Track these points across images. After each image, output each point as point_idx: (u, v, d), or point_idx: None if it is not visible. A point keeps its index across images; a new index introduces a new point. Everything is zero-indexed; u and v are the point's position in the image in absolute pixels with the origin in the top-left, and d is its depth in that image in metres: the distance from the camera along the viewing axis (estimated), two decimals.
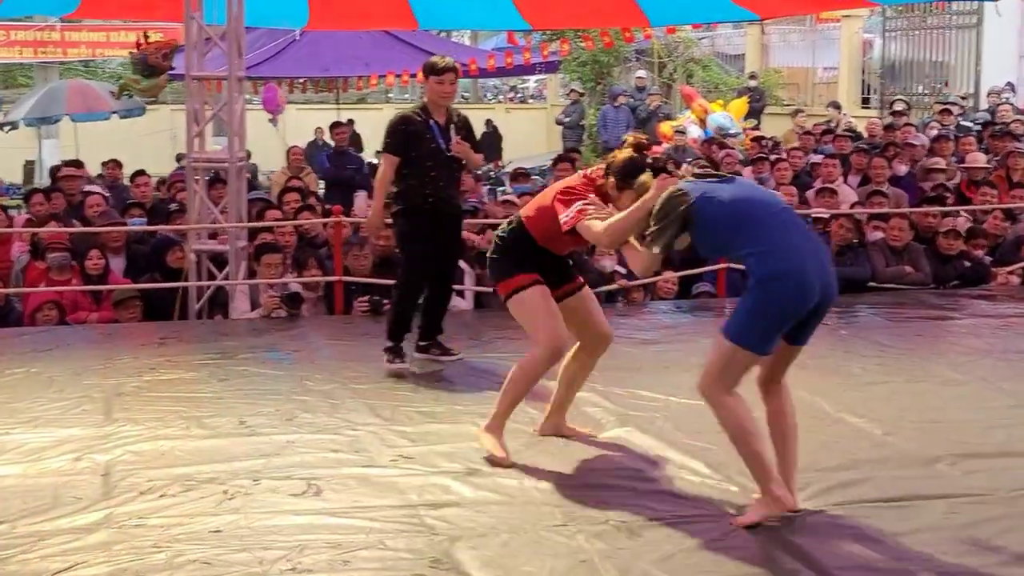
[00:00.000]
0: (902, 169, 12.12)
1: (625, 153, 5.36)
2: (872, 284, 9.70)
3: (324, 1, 12.64)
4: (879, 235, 10.09)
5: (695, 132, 17.24)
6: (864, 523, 4.69)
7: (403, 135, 7.04)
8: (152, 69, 10.06)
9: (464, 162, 7.36)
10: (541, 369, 5.54)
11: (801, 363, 7.11)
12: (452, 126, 7.14)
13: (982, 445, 5.77)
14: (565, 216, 5.26)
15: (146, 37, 10.27)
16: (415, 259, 7.20)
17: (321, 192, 13.70)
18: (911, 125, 14.53)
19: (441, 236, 7.15)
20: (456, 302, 8.97)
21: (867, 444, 5.75)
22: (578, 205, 5.25)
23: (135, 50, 10.33)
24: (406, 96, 31.21)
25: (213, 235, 9.55)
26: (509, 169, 17.95)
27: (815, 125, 15.96)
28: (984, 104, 17.50)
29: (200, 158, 9.65)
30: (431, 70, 7.09)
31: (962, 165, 12.40)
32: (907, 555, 4.39)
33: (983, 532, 4.63)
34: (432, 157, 7.04)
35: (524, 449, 5.59)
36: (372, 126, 18.73)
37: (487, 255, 5.79)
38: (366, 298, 8.85)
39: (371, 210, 7.32)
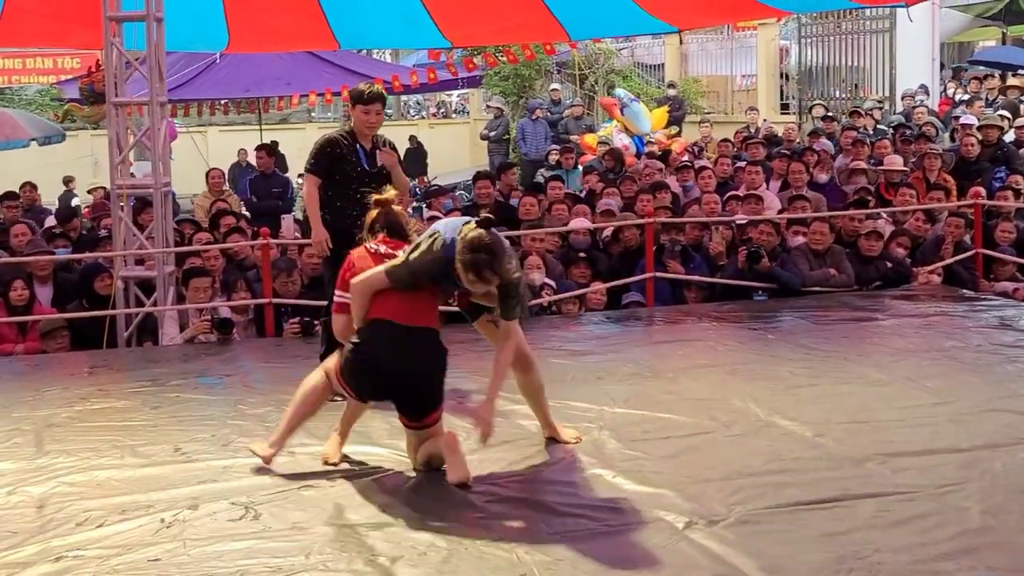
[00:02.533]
0: (823, 177, 12.34)
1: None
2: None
3: (243, 24, 12.60)
4: (800, 240, 10.24)
5: (625, 141, 17.36)
6: (797, 525, 4.77)
7: (328, 158, 7.08)
8: (99, 96, 10.03)
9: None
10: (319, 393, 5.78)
11: (731, 368, 7.34)
12: (377, 151, 7.16)
13: (909, 443, 5.87)
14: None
15: (97, 66, 10.24)
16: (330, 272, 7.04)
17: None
18: (817, 132, 14.79)
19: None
20: None
21: (798, 446, 5.84)
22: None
23: (86, 77, 10.30)
24: (329, 115, 31.13)
25: (140, 261, 9.48)
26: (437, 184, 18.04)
27: (736, 132, 16.16)
28: (899, 107, 17.81)
29: (124, 184, 9.59)
30: (358, 99, 7.09)
31: (879, 167, 12.62)
32: (841, 555, 4.46)
33: (914, 529, 4.72)
34: (358, 180, 7.06)
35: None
36: (296, 146, 18.70)
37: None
38: (296, 320, 8.84)
39: (313, 230, 7.25)
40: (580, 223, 10.64)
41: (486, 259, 5.24)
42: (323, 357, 7.02)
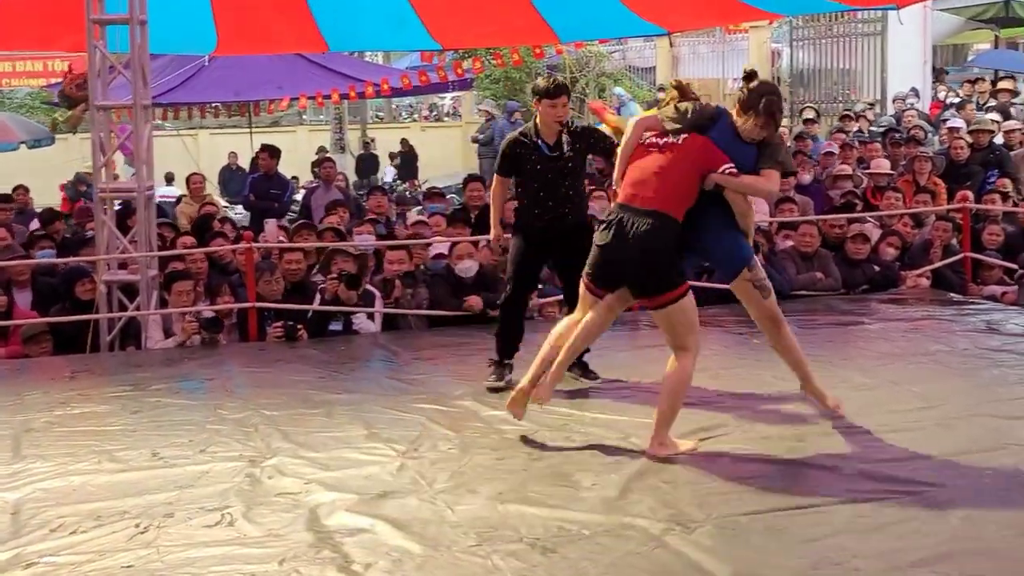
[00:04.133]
0: (806, 178, 12.32)
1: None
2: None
3: (232, 26, 12.56)
4: (789, 243, 10.21)
5: None
6: (774, 530, 4.74)
7: (509, 159, 7.25)
8: (70, 100, 9.98)
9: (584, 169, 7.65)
10: (692, 374, 5.81)
11: (714, 373, 7.31)
12: (565, 140, 7.17)
13: (891, 448, 5.85)
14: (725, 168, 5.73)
15: (70, 68, 10.20)
16: (518, 271, 7.31)
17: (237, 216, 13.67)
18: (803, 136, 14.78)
19: (553, 253, 7.34)
20: (366, 325, 8.99)
21: (779, 451, 5.81)
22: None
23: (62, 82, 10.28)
24: (321, 118, 31.09)
25: (123, 265, 9.44)
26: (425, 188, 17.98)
27: None
28: (891, 110, 17.81)
29: (108, 188, 9.54)
30: (544, 94, 7.09)
31: (867, 171, 12.61)
32: (817, 561, 4.44)
33: (892, 534, 4.69)
34: (541, 176, 7.16)
35: (435, 470, 5.61)
36: (287, 149, 18.68)
37: (645, 264, 5.71)
38: (280, 324, 8.81)
39: (491, 226, 7.49)
40: None
41: (777, 100, 5.82)
42: (498, 349, 7.35)
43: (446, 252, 9.54)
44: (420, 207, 14.05)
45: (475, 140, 21.95)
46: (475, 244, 9.62)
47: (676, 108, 5.90)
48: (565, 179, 7.21)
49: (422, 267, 9.70)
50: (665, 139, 5.83)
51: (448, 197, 14.98)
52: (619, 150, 6.04)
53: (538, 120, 7.20)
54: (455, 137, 29.16)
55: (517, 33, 14.15)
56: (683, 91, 6.09)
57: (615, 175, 6.06)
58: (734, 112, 5.84)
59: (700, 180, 5.77)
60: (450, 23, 12.93)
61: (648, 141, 5.89)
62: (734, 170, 5.74)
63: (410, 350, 8.42)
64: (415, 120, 34.44)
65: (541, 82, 7.26)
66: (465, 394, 7.03)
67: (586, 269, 6.00)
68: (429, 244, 9.92)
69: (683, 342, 5.76)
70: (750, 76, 5.92)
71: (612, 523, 4.86)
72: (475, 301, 9.09)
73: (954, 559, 4.44)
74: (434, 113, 36.40)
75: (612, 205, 6.04)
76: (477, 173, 16.45)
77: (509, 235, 7.50)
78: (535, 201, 7.21)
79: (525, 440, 6.08)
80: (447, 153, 27.79)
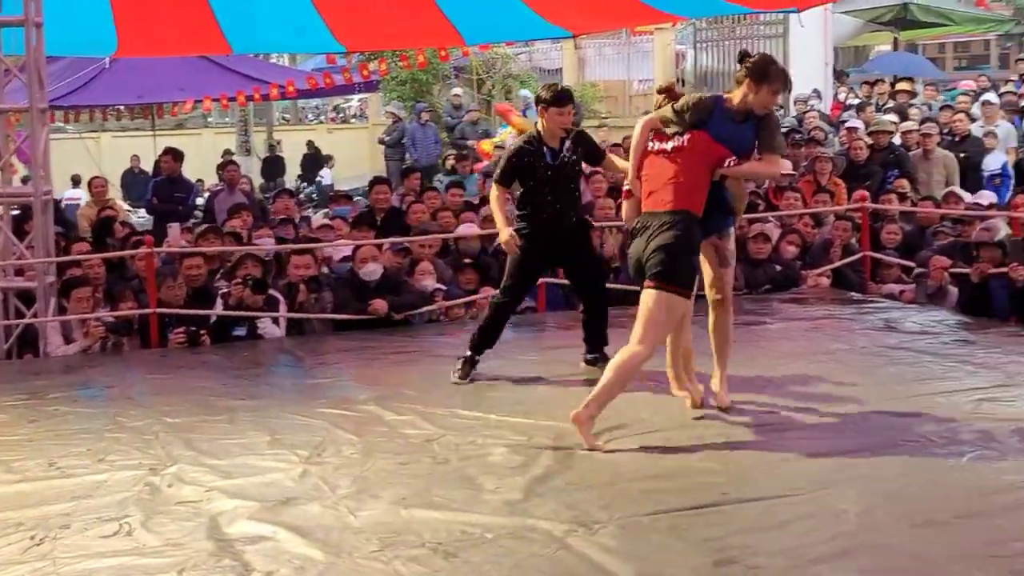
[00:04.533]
0: None
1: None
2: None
3: (132, 29, 12.38)
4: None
5: None
6: (677, 530, 4.77)
7: (514, 168, 7.46)
8: None
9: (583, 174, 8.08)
10: (638, 368, 6.08)
11: None
12: (566, 145, 7.44)
13: (791, 446, 5.91)
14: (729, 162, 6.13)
15: None
16: (516, 272, 7.57)
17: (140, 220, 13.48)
18: None
19: (561, 254, 7.63)
20: (271, 330, 8.91)
21: (681, 451, 5.84)
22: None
23: None
24: (226, 120, 30.79)
25: (20, 271, 9.26)
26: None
27: (624, 138, 16.20)
28: (793, 111, 18.00)
29: (4, 193, 9.36)
30: (554, 102, 7.32)
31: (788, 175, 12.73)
32: (719, 560, 4.47)
33: (792, 532, 4.74)
34: (549, 182, 7.40)
35: (338, 476, 5.58)
36: (192, 152, 18.48)
37: (659, 254, 6.00)
38: (182, 329, 8.71)
39: (500, 231, 7.55)
40: (468, 229, 10.59)
41: (781, 67, 6.32)
42: (472, 343, 7.57)
43: (350, 255, 9.49)
44: (326, 210, 13.96)
45: (382, 142, 21.84)
46: (379, 247, 9.58)
47: (673, 110, 6.20)
48: (569, 182, 7.53)
49: (326, 271, 9.64)
50: (672, 143, 6.19)
51: (355, 200, 14.91)
52: (631, 151, 6.45)
53: (541, 127, 7.43)
54: (362, 139, 28.98)
55: (422, 35, 14.11)
56: (671, 93, 6.44)
57: (629, 175, 6.46)
58: (743, 88, 6.15)
59: (710, 171, 6.16)
60: (354, 26, 12.87)
61: (657, 148, 6.25)
62: (736, 160, 6.13)
63: (315, 354, 8.38)
64: (321, 122, 34.23)
65: (546, 92, 7.45)
66: (369, 398, 7.00)
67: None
68: (334, 248, 9.87)
69: (645, 336, 6.00)
70: (744, 55, 6.37)
71: (515, 526, 4.85)
72: (380, 305, 9.06)
73: (853, 555, 4.50)
74: (340, 115, 36.21)
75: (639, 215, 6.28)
76: (383, 175, 16.39)
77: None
78: (543, 205, 7.43)
79: (429, 444, 6.06)
80: (355, 155, 27.63)
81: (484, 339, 7.57)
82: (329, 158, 25.69)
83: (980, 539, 4.64)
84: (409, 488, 5.38)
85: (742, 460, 5.71)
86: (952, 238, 10.31)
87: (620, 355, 6.02)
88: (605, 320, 7.66)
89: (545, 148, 7.40)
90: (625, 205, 6.56)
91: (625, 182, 6.57)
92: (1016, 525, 4.78)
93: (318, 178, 24.17)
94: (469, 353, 7.52)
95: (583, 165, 7.79)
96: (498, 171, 7.68)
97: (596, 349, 7.63)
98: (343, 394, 7.17)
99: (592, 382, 7.18)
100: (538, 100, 7.53)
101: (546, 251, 7.56)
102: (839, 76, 21.29)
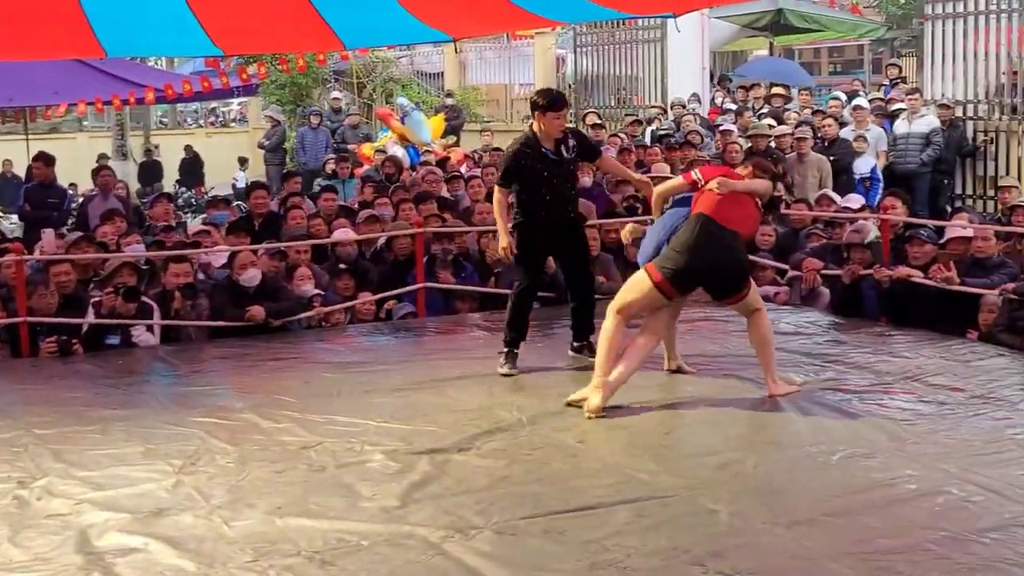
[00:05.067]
0: (587, 181, 12.50)
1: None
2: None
3: (2, 31, 12.07)
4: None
5: (399, 152, 17.27)
6: (553, 533, 4.80)
7: (514, 171, 7.78)
8: None
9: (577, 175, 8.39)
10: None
11: (499, 378, 7.38)
12: (567, 145, 7.78)
13: (667, 447, 6.02)
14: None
15: None
16: (525, 266, 7.92)
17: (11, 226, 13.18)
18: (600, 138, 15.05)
19: (558, 247, 7.96)
20: (145, 338, 8.77)
21: (559, 454, 5.90)
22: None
23: None
24: (102, 124, 30.20)
25: None
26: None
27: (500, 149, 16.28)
28: (671, 116, 18.20)
29: None
30: (550, 107, 7.65)
31: (648, 175, 12.85)
32: (595, 562, 4.51)
33: (667, 532, 4.81)
34: (546, 181, 7.73)
35: (212, 485, 5.52)
36: (65, 156, 18.13)
37: (729, 268, 6.87)
38: (53, 338, 8.51)
39: (499, 236, 7.89)
40: (343, 234, 10.53)
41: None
42: (509, 339, 7.86)
43: (227, 261, 9.38)
44: (204, 215, 13.78)
45: (261, 146, 21.63)
46: (255, 253, 9.48)
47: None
48: (566, 181, 7.91)
49: (202, 277, 9.51)
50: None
51: (234, 205, 14.72)
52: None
53: (537, 130, 7.74)
54: (242, 143, 28.66)
55: (301, 39, 13.94)
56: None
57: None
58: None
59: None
60: (232, 29, 12.67)
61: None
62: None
63: (190, 362, 8.25)
64: (200, 126, 33.78)
65: (542, 98, 7.77)
66: (246, 406, 6.91)
67: (667, 275, 6.70)
68: (211, 254, 9.74)
69: (756, 306, 6.98)
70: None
71: (391, 532, 4.85)
72: (257, 311, 8.96)
73: (726, 554, 4.57)
74: (220, 119, 35.78)
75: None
76: (262, 180, 16.23)
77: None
78: (541, 203, 7.76)
79: (306, 452, 6.02)
80: (234, 159, 27.32)
81: (515, 331, 7.89)
82: (244, 160, 25.36)
83: (850, 537, 4.74)
84: (285, 496, 5.34)
85: (618, 462, 5.76)
86: (824, 240, 10.51)
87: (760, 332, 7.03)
88: (592, 311, 7.98)
89: (543, 149, 7.72)
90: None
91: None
92: (884, 522, 4.89)
93: (233, 180, 23.78)
94: (507, 349, 7.83)
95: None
96: (499, 174, 8.06)
97: (583, 338, 8.00)
98: (219, 402, 7.07)
99: (469, 387, 7.24)
100: (534, 106, 7.80)
101: (546, 244, 7.93)
102: (722, 81, 21.59)
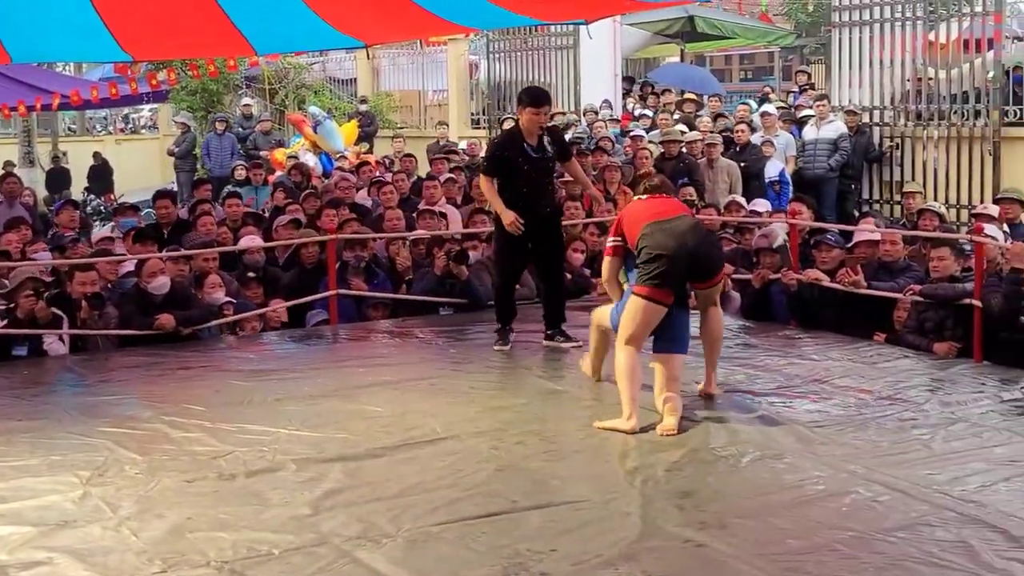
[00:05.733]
0: None
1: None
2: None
3: None
4: (475, 254, 10.29)
5: (310, 160, 17.18)
6: (466, 539, 4.80)
7: (498, 160, 8.32)
8: None
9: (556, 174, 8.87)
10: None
11: (411, 385, 7.38)
12: (544, 141, 8.29)
13: (581, 452, 6.03)
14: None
15: None
16: (504, 256, 8.56)
17: None
18: None
19: (534, 238, 8.35)
20: (55, 347, 8.62)
21: (472, 460, 5.89)
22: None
23: None
24: (9, 131, 29.69)
25: None
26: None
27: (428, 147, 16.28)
28: (583, 122, 18.28)
29: None
30: (531, 103, 8.20)
31: (560, 180, 12.89)
32: (507, 567, 4.52)
33: (579, 537, 4.82)
34: (525, 174, 8.23)
35: (120, 496, 5.44)
36: None
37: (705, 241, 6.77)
38: None
39: (502, 216, 8.22)
40: (250, 241, 10.45)
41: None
42: (498, 319, 8.56)
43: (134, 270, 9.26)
44: (113, 223, 13.59)
45: (171, 153, 21.39)
46: (163, 260, 9.37)
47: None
48: (545, 176, 8.42)
49: (110, 285, 9.37)
50: None
51: (144, 212, 14.54)
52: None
53: (521, 125, 8.27)
54: (152, 150, 28.31)
55: (212, 45, 13.81)
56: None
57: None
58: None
59: None
60: (141, 35, 12.52)
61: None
62: None
63: (98, 372, 8.12)
64: (110, 133, 33.31)
65: (525, 95, 8.39)
66: (155, 416, 6.82)
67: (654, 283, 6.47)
68: (120, 262, 9.62)
69: (716, 300, 6.95)
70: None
71: (303, 541, 4.81)
72: (166, 319, 8.84)
73: (637, 558, 4.60)
74: (130, 126, 35.33)
75: None
76: (167, 188, 16.07)
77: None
78: (519, 196, 8.22)
79: (216, 461, 5.95)
80: (145, 166, 26.99)
81: (504, 319, 8.55)
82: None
83: (760, 538, 4.79)
84: (195, 506, 5.28)
85: (531, 467, 5.77)
86: (734, 244, 10.62)
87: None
88: (562, 301, 8.65)
89: (524, 144, 8.20)
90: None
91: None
92: (793, 523, 4.95)
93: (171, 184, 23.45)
94: (500, 325, 8.53)
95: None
96: (484, 163, 8.64)
97: (554, 325, 8.53)
98: (128, 412, 6.97)
99: (381, 393, 7.22)
100: (519, 100, 8.42)
101: (522, 236, 8.24)
102: (641, 87, 21.73)
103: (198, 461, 5.95)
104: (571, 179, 12.44)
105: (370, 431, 6.40)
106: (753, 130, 14.95)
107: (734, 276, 9.93)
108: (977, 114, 13.94)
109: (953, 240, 8.75)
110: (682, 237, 6.48)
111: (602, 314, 7.12)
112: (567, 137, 16.32)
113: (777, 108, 16.03)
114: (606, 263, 7.08)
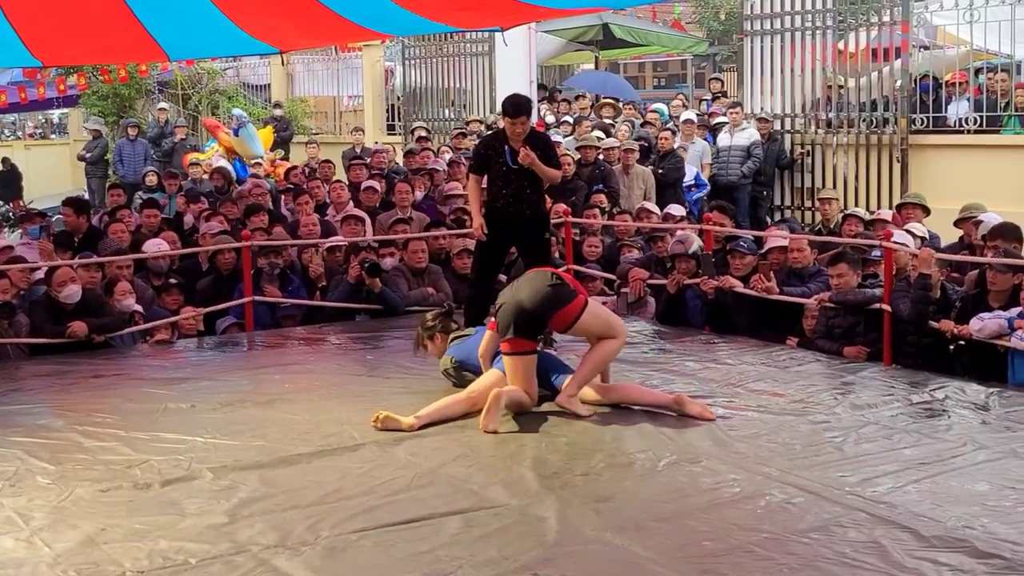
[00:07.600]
0: (418, 195, 12.56)
1: None
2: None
3: None
4: (391, 261, 10.28)
5: (226, 164, 17.04)
6: (384, 546, 4.79)
7: (481, 158, 8.53)
8: None
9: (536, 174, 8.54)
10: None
11: (327, 391, 7.36)
12: (521, 149, 8.26)
13: (498, 457, 6.04)
14: None
15: None
16: (477, 256, 8.82)
17: None
18: (429, 150, 15.11)
19: (513, 239, 8.65)
20: None
21: (390, 466, 5.88)
22: None
23: None
24: None
25: None
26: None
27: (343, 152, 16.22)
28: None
29: None
30: (505, 113, 8.34)
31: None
32: (426, 573, 4.51)
33: (497, 542, 4.83)
34: (504, 176, 8.38)
35: (32, 507, 5.36)
36: None
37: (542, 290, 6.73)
38: None
39: (472, 218, 8.60)
40: (155, 246, 10.36)
41: None
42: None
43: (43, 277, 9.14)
44: (20, 230, 13.40)
45: (82, 158, 21.11)
46: (74, 268, 9.25)
47: None
48: (524, 180, 8.39)
49: (22, 293, 9.24)
50: None
51: (53, 218, 14.34)
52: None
53: (507, 130, 8.37)
54: (63, 155, 27.96)
55: (124, 50, 13.68)
56: None
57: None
58: None
59: None
60: (51, 40, 12.36)
61: None
62: None
63: (8, 381, 7.98)
64: (19, 138, 32.80)
65: (506, 103, 8.35)
66: (67, 425, 6.73)
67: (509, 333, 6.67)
68: (33, 270, 9.50)
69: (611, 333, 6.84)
70: None
71: (220, 550, 4.77)
72: (78, 327, 8.73)
73: (556, 562, 4.62)
74: (40, 131, 34.81)
75: None
76: (75, 196, 15.84)
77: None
78: (498, 197, 8.40)
79: (131, 470, 5.88)
80: (56, 172, 26.64)
81: (472, 318, 8.44)
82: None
83: (677, 541, 4.83)
84: (109, 516, 5.22)
85: (448, 474, 5.77)
86: (636, 249, 10.75)
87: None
88: None
89: (506, 147, 8.33)
90: None
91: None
92: (709, 525, 5.00)
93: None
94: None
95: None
96: (470, 162, 8.94)
97: None
98: (39, 421, 6.87)
99: (297, 400, 7.18)
100: (503, 109, 8.41)
101: (502, 237, 8.49)
102: (552, 94, 21.81)
103: (112, 470, 5.88)
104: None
105: (287, 438, 6.37)
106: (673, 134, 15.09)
107: (650, 281, 10.02)
108: (886, 122, 14.17)
109: (849, 254, 8.80)
110: (517, 287, 6.80)
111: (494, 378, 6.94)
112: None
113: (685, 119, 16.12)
114: (488, 339, 7.02)
